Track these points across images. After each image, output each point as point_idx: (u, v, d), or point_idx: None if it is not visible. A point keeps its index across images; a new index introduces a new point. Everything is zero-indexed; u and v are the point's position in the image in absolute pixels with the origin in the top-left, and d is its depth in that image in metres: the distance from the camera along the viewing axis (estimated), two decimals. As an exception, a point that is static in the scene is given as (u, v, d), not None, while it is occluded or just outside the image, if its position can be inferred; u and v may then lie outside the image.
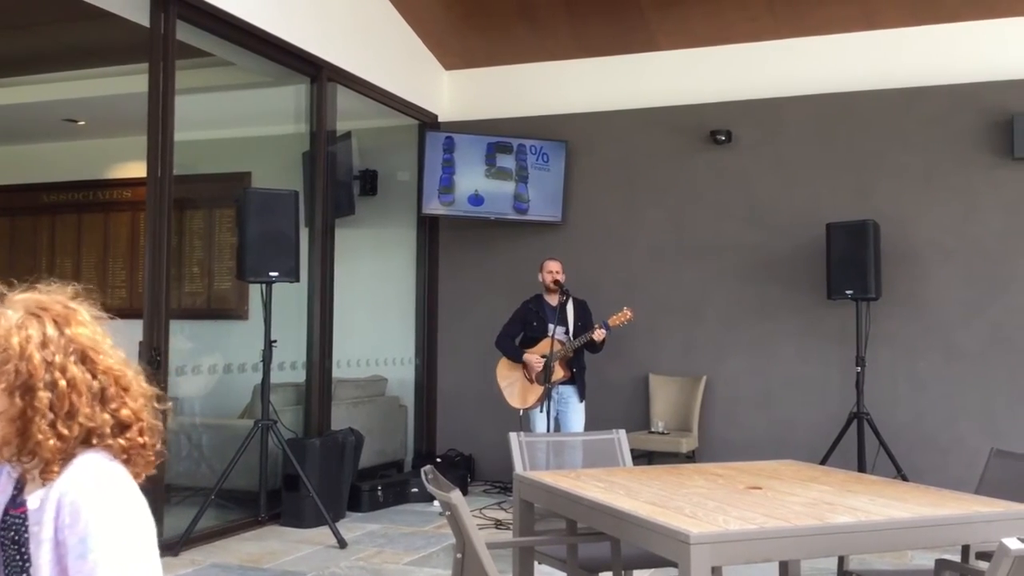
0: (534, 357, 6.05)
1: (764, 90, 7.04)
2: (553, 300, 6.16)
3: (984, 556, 2.85)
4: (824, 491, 2.94)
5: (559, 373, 6.00)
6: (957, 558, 2.99)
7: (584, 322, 6.12)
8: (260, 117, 7.56)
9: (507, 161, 7.40)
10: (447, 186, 7.38)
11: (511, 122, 7.64)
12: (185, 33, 5.34)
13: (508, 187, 7.39)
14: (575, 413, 6.13)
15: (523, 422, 6.07)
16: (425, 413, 7.83)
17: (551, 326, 6.04)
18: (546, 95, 7.64)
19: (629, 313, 5.95)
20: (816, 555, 2.54)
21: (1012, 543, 1.87)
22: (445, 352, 7.86)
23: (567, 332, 6.08)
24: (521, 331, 6.24)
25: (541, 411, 5.98)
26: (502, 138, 7.43)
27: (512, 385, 6.17)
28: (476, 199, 7.37)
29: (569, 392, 6.13)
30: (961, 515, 2.65)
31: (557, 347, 5.93)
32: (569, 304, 6.13)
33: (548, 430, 5.86)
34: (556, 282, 6.10)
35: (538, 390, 6.01)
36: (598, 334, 5.91)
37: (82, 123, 8.32)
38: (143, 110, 5.17)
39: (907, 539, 2.64)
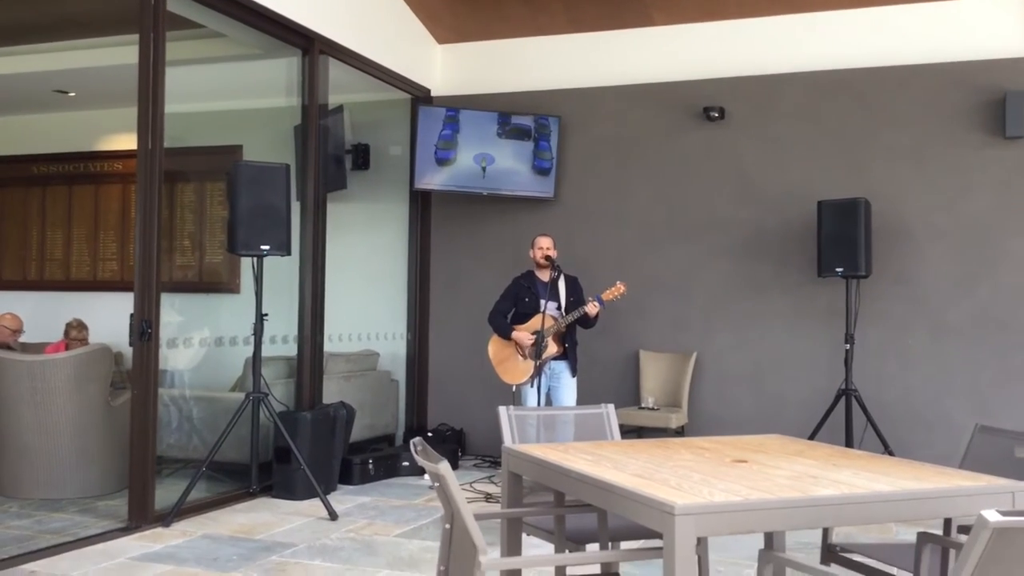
0: (524, 334, 6.05)
1: (757, 67, 7.03)
2: (545, 276, 6.17)
3: (966, 529, 2.88)
4: (809, 465, 2.97)
5: (552, 348, 6.01)
6: (940, 531, 3.03)
7: (576, 298, 6.14)
8: (251, 90, 7.52)
9: (525, 120, 7.37)
10: (448, 154, 7.31)
11: (504, 97, 7.62)
12: (176, 4, 5.31)
13: (526, 146, 7.34)
14: (567, 388, 6.15)
15: (515, 398, 6.09)
16: (416, 387, 7.86)
17: (543, 302, 6.05)
18: (539, 70, 7.62)
19: (622, 287, 5.96)
20: (799, 527, 2.57)
21: (991, 515, 1.89)
22: (437, 327, 7.88)
23: (559, 308, 6.09)
24: (513, 307, 6.25)
25: (532, 386, 6.01)
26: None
27: (504, 361, 6.19)
28: (487, 157, 7.28)
29: (561, 367, 6.15)
30: (943, 489, 2.68)
31: (550, 323, 5.95)
32: (561, 280, 6.14)
33: (539, 405, 5.89)
34: (547, 258, 6.11)
35: (530, 366, 6.02)
36: (592, 308, 5.92)
37: (72, 94, 8.27)
38: (134, 82, 5.15)
39: (889, 512, 2.67)
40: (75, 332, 6.63)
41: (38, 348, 6.74)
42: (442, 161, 7.39)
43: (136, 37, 5.17)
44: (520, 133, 7.35)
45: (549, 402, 6.13)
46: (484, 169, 7.33)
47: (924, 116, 6.65)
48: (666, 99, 7.26)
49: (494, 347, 6.25)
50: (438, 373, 7.86)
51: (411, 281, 7.94)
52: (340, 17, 6.65)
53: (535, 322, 6.00)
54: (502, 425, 3.58)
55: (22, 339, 6.87)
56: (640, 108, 7.33)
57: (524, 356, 6.06)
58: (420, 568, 4.45)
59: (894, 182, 6.67)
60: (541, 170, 7.36)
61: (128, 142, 5.77)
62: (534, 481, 3.30)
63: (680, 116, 7.22)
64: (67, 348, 6.48)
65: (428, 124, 7.40)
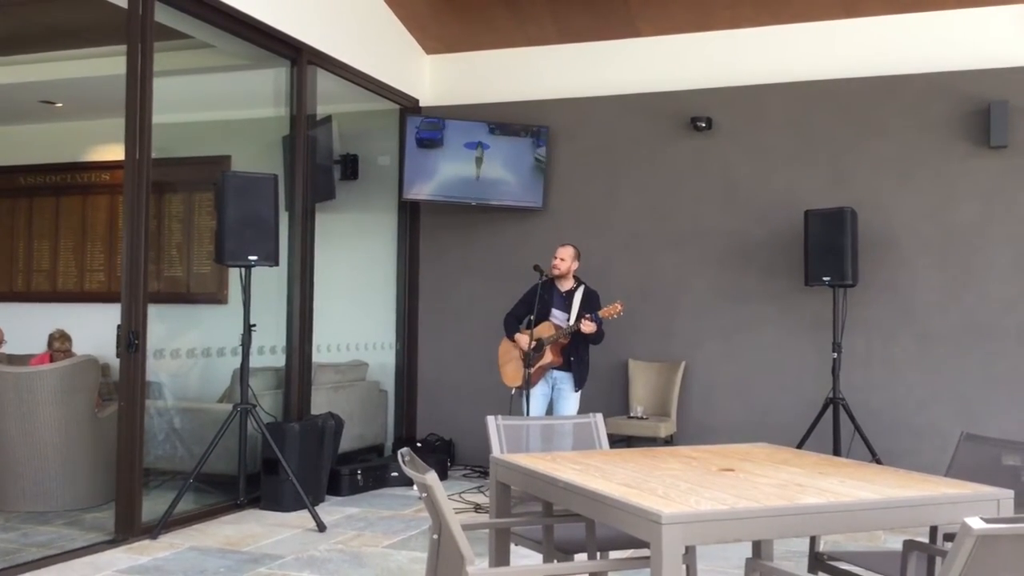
0: (524, 339, 6.06)
1: (744, 77, 7.07)
2: (563, 286, 6.18)
3: (952, 537, 2.89)
4: (795, 473, 2.98)
5: (547, 357, 6.02)
6: (926, 539, 3.04)
7: (589, 311, 6.12)
8: (240, 100, 7.52)
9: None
10: (433, 135, 7.28)
11: (492, 107, 7.63)
12: (164, 14, 5.30)
13: (524, 142, 7.34)
14: (568, 400, 6.13)
15: (512, 400, 6.10)
16: (405, 398, 7.85)
17: (553, 311, 6.08)
18: (527, 81, 7.64)
19: (620, 307, 5.98)
20: (786, 535, 2.58)
21: (975, 522, 1.90)
22: (426, 337, 7.87)
23: (568, 320, 6.10)
24: (527, 313, 6.25)
25: (523, 395, 6.01)
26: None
27: (508, 363, 6.22)
28: (482, 144, 7.27)
29: (564, 379, 6.13)
30: (929, 496, 2.69)
31: (553, 331, 5.97)
32: (578, 292, 6.15)
33: (526, 413, 5.90)
34: (556, 268, 6.13)
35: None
36: (587, 326, 5.91)
37: (59, 105, 8.25)
38: (121, 92, 5.14)
39: (875, 520, 2.67)
40: (58, 343, 6.59)
41: (24, 360, 6.70)
42: (424, 142, 7.33)
43: (124, 48, 5.16)
44: (518, 131, 7.35)
45: (550, 412, 6.15)
46: (479, 161, 7.30)
47: (909, 126, 6.69)
48: (654, 109, 7.28)
49: (503, 347, 6.29)
50: (427, 383, 7.85)
51: (400, 291, 7.93)
52: (328, 28, 6.66)
53: (539, 329, 6.02)
54: (490, 435, 3.58)
55: (6, 350, 6.84)
56: (628, 118, 7.36)
57: (524, 361, 6.08)
58: (409, 579, 4.43)
59: (880, 191, 6.71)
60: (539, 160, 7.33)
61: (116, 153, 5.76)
62: (523, 491, 3.30)
63: (668, 126, 7.25)
64: (51, 359, 6.44)
65: (429, 125, 7.41)
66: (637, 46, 7.36)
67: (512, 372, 6.17)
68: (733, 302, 7.04)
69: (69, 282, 8.73)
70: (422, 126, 7.35)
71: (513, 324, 6.23)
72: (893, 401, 6.61)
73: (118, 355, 5.08)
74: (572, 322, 6.05)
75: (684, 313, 7.16)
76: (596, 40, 7.44)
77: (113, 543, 4.95)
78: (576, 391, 6.13)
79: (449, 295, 7.76)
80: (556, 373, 6.11)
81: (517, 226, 7.50)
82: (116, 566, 4.57)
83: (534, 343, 5.94)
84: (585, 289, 6.18)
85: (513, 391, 6.14)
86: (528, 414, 5.96)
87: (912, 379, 6.59)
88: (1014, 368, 6.39)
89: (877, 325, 6.67)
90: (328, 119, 7.49)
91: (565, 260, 6.18)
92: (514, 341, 6.14)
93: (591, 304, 6.16)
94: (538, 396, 6.06)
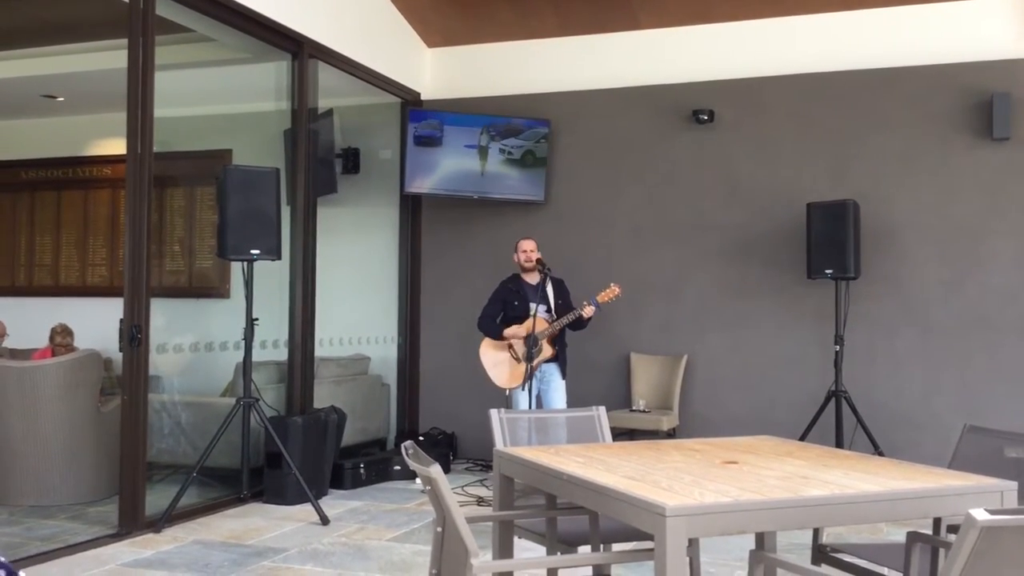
0: (517, 329, 6.05)
1: (746, 70, 7.05)
2: (532, 279, 6.18)
3: (955, 529, 2.89)
4: (799, 465, 2.98)
5: (545, 352, 6.02)
6: (929, 531, 3.04)
7: (564, 300, 6.15)
8: (241, 94, 7.51)
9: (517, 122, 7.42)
10: (432, 133, 7.28)
11: (494, 100, 7.62)
12: (165, 8, 5.30)
13: (516, 141, 7.36)
14: (557, 391, 6.16)
15: (507, 401, 6.10)
16: (407, 392, 7.86)
17: (532, 305, 6.06)
18: (528, 74, 7.63)
19: (617, 289, 5.97)
20: (790, 527, 2.58)
21: (979, 514, 1.90)
22: (428, 331, 7.87)
23: (548, 311, 6.10)
24: (501, 311, 6.25)
25: (523, 389, 6.01)
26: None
27: (497, 365, 6.18)
28: (489, 129, 7.29)
29: (552, 370, 6.16)
30: (933, 488, 2.69)
31: (544, 325, 5.96)
32: (548, 283, 6.14)
33: (530, 407, 5.89)
34: (530, 261, 6.13)
35: (523, 369, 6.03)
36: (587, 311, 5.93)
37: (61, 99, 8.25)
38: (122, 86, 5.13)
39: (879, 512, 2.68)
40: (60, 338, 6.59)
41: (26, 354, 6.71)
42: (423, 140, 7.32)
43: (125, 41, 5.16)
44: (515, 129, 7.35)
45: (540, 405, 6.14)
46: (484, 151, 7.28)
47: (912, 118, 6.68)
48: (656, 102, 7.27)
49: (486, 351, 6.25)
50: (429, 377, 7.85)
51: (402, 285, 7.93)
52: (330, 21, 6.65)
53: (526, 327, 6.00)
54: (493, 428, 3.58)
55: (10, 345, 6.84)
56: (630, 111, 7.35)
57: (518, 359, 6.06)
58: (412, 572, 4.44)
59: (882, 184, 6.70)
60: (509, 156, 7.32)
61: (117, 147, 5.77)
62: (526, 484, 3.30)
63: (669, 119, 7.24)
64: (53, 354, 6.45)
65: (429, 124, 7.41)
66: (638, 39, 7.35)
67: (506, 372, 6.13)
68: (735, 295, 7.03)
69: (71, 276, 8.74)
70: (419, 127, 7.34)
71: (492, 325, 6.21)
72: (895, 394, 6.61)
73: (121, 349, 5.09)
74: (552, 312, 6.05)
75: (686, 306, 7.16)
76: (597, 33, 7.42)
77: (117, 537, 4.96)
78: (563, 379, 6.16)
79: (451, 289, 7.76)
80: (543, 365, 6.12)
81: (519, 219, 7.50)
82: (120, 560, 4.58)
83: (527, 337, 5.95)
84: (552, 279, 6.18)
85: (507, 392, 6.13)
86: (532, 408, 5.97)
87: (914, 371, 6.59)
88: (1016, 360, 6.39)
89: (879, 318, 6.67)
90: (329, 113, 7.48)
91: (535, 251, 6.19)
92: (504, 338, 6.13)
93: (563, 291, 6.20)
94: (527, 391, 6.06)
